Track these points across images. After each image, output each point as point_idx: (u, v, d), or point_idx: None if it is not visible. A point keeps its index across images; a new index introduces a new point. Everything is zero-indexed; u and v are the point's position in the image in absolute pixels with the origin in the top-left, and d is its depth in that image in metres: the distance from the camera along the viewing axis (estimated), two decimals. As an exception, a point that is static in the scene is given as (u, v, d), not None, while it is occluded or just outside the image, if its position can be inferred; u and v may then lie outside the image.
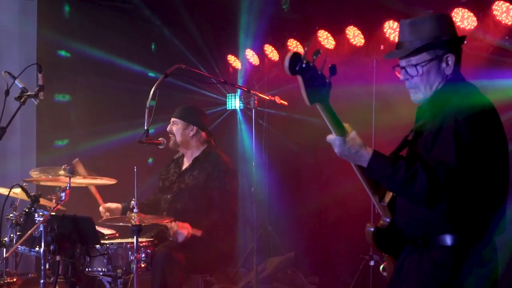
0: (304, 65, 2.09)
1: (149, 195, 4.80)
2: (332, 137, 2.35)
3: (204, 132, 4.60)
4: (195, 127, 4.55)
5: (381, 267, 2.79)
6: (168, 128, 4.60)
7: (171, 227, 4.13)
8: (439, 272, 2.41)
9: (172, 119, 4.61)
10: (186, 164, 4.63)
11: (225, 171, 4.44)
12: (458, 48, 2.54)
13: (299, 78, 2.12)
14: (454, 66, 2.50)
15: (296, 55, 2.08)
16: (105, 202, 4.48)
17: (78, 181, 4.13)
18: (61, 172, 4.05)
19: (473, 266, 2.37)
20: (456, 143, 2.29)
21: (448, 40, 2.48)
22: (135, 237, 3.67)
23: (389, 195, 2.58)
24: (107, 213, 4.40)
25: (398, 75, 2.58)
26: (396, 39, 6.08)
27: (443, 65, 2.49)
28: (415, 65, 2.49)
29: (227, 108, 7.42)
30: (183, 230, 4.13)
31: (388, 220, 2.61)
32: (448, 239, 2.40)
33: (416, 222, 2.48)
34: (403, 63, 2.54)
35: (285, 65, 2.08)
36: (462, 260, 2.38)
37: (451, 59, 2.49)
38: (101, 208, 4.43)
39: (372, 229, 2.60)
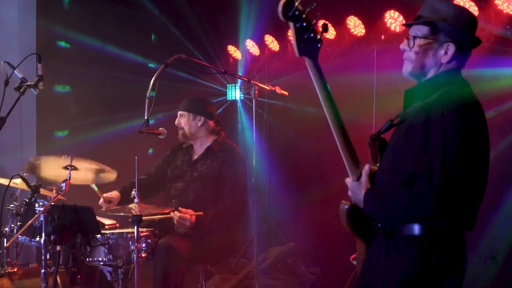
0: (297, 13, 2.09)
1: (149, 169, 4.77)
2: (349, 181, 2.52)
3: (212, 121, 4.60)
4: (202, 117, 4.53)
5: (351, 258, 2.72)
6: (176, 122, 4.56)
7: (174, 215, 4.14)
8: (403, 263, 2.34)
9: (179, 112, 4.57)
10: (197, 153, 4.63)
11: (239, 161, 4.47)
12: (464, 44, 2.46)
13: (291, 25, 2.12)
14: (452, 58, 2.44)
15: (290, 1, 2.08)
16: (104, 192, 4.46)
17: (81, 177, 4.11)
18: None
19: (438, 259, 2.30)
20: (445, 155, 2.23)
21: (455, 29, 2.42)
22: (135, 227, 3.68)
23: None
24: (107, 204, 4.39)
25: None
26: (397, 29, 6.08)
27: (441, 51, 2.45)
28: (414, 37, 2.47)
29: (228, 99, 7.41)
30: (185, 215, 4.14)
31: None
32: (415, 229, 2.33)
33: None
34: (410, 33, 2.52)
35: (278, 9, 2.07)
36: (426, 252, 2.30)
37: (451, 48, 2.43)
38: (101, 201, 4.41)
39: (346, 207, 2.52)
